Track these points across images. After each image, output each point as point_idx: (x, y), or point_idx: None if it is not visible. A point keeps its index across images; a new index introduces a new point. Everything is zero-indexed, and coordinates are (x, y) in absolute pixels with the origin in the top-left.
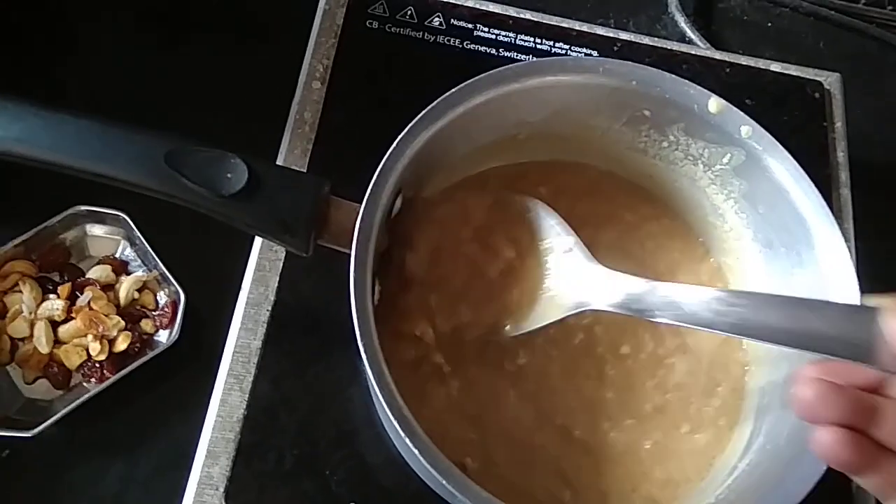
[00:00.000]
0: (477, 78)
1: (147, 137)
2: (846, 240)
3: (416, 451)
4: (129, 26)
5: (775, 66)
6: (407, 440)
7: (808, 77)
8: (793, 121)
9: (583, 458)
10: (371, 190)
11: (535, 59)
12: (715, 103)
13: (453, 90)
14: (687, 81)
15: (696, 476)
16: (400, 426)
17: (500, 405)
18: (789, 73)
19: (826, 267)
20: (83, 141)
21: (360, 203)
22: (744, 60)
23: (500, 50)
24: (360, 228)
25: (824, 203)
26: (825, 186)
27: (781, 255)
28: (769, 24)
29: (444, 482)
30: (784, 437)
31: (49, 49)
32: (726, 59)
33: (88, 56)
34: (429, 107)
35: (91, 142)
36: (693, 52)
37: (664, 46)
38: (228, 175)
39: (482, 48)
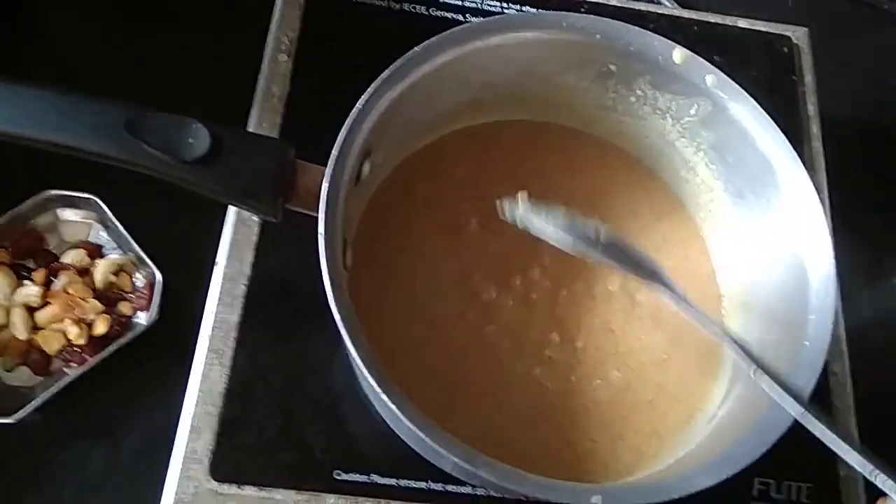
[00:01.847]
0: (439, 36)
1: (106, 105)
2: (819, 191)
3: (393, 407)
4: (93, 5)
5: (743, 23)
6: (384, 397)
7: (775, 32)
8: (762, 76)
9: (569, 408)
10: (337, 150)
11: None
12: (679, 54)
13: (416, 48)
14: (650, 33)
15: (679, 426)
16: (377, 383)
17: (480, 368)
18: (757, 29)
19: (794, 207)
20: (41, 110)
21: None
22: (711, 18)
23: (467, 15)
24: (327, 189)
25: (788, 144)
26: (797, 139)
27: (752, 203)
28: None
29: (424, 436)
30: None
31: (13, 29)
32: (694, 17)
33: (53, 35)
34: (392, 65)
35: (49, 111)
36: (660, 12)
37: (631, 7)
38: (190, 140)
39: (449, 14)
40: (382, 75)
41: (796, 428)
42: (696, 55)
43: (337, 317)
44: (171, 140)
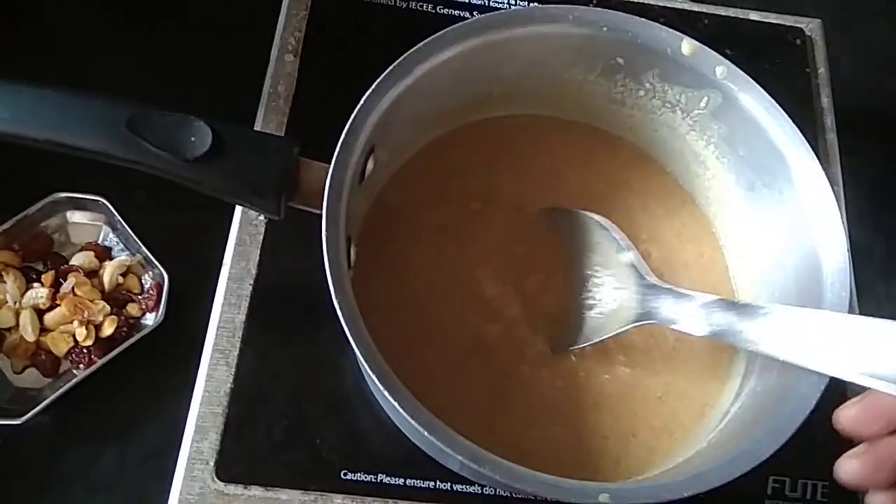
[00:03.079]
0: (443, 31)
1: (107, 103)
2: (833, 184)
3: (396, 405)
4: (99, 6)
5: (754, 15)
6: (386, 393)
7: (788, 24)
8: (775, 69)
9: (578, 405)
10: (340, 147)
11: None
12: (688, 45)
13: (420, 44)
14: (657, 24)
15: (690, 423)
16: (378, 379)
17: (484, 367)
18: (769, 21)
19: (807, 199)
20: (41, 110)
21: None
22: (722, 11)
23: (475, 13)
24: (330, 186)
25: (800, 134)
26: (811, 132)
27: (764, 195)
28: None
29: (429, 435)
30: (773, 377)
31: (14, 29)
32: (704, 9)
33: (56, 35)
34: (395, 62)
35: (50, 111)
36: (669, 6)
37: (641, 0)
38: (192, 138)
39: (455, 12)
40: (385, 71)
41: (812, 425)
42: (704, 46)
43: (340, 315)
44: (172, 138)
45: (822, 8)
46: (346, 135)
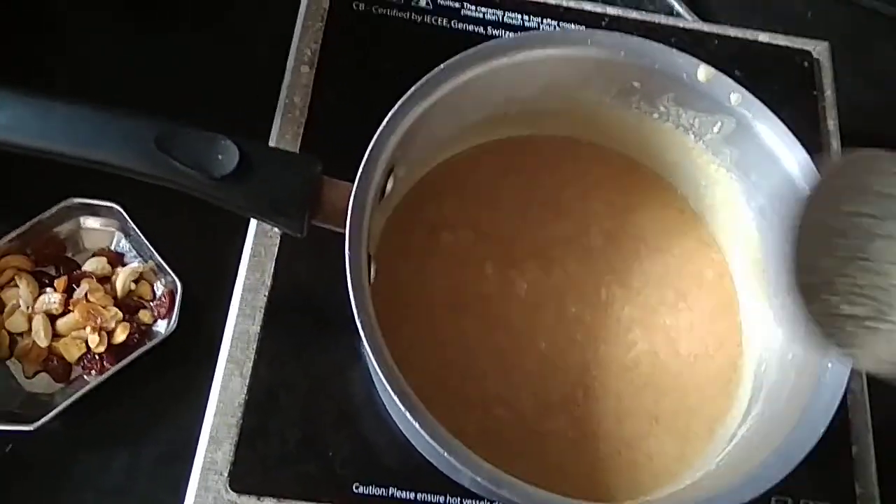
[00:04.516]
0: (465, 53)
1: (137, 121)
2: None
3: (417, 425)
4: (114, 14)
5: (763, 37)
6: (408, 415)
7: (796, 46)
8: (783, 91)
9: (589, 425)
10: (363, 167)
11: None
12: (704, 71)
13: (442, 66)
14: (676, 51)
15: (698, 445)
16: (400, 401)
17: (499, 386)
18: (777, 44)
19: None
20: (72, 127)
21: (353, 182)
22: (732, 32)
23: (488, 28)
24: (353, 206)
25: (814, 165)
26: (817, 155)
27: (775, 222)
28: None
29: (445, 454)
30: (783, 401)
31: (36, 39)
32: (714, 30)
33: (75, 45)
34: (418, 83)
35: (80, 127)
36: (681, 25)
37: (652, 20)
38: (219, 157)
39: (470, 27)
40: (408, 92)
41: (815, 446)
42: (720, 73)
43: (363, 335)
44: (200, 156)
45: (829, 30)
46: (369, 154)
